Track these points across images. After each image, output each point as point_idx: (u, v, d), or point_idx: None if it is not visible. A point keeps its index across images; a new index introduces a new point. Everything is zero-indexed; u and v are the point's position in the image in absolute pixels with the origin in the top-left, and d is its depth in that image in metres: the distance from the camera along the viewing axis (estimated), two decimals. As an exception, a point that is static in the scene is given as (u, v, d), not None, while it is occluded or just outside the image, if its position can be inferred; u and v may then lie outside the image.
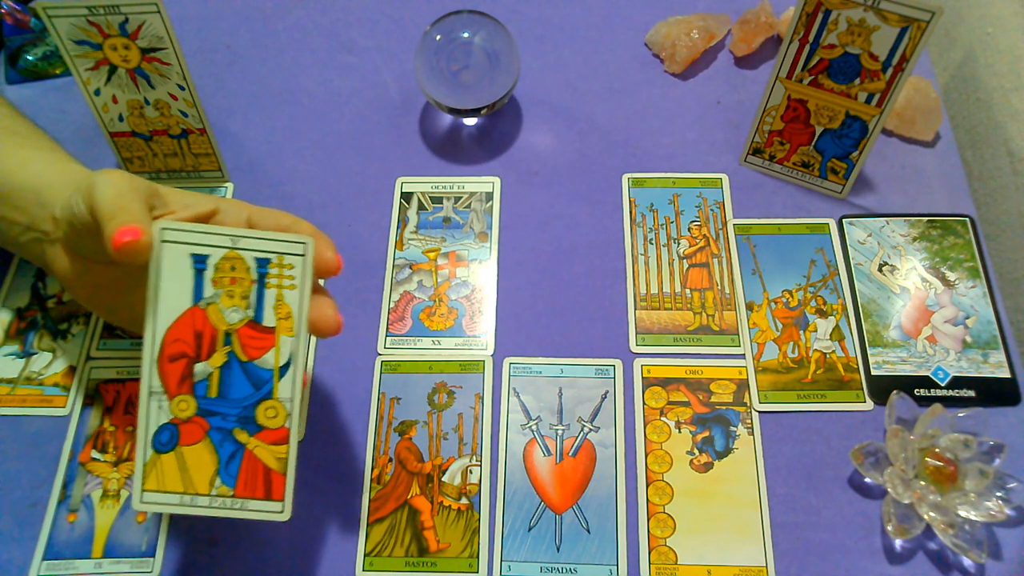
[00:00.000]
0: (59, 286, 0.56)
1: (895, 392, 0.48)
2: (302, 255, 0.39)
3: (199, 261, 0.38)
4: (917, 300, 0.54)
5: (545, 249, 0.57)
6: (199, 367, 0.39)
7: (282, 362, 0.40)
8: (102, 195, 0.37)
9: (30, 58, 0.65)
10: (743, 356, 0.52)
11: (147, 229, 0.37)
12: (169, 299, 0.38)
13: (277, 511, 0.39)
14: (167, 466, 0.38)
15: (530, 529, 0.47)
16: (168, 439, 0.38)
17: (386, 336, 0.54)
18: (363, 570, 0.47)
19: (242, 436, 0.39)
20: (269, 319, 0.39)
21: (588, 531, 0.47)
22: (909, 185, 0.59)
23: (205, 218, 0.42)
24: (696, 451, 0.49)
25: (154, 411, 0.38)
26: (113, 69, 0.53)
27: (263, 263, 0.39)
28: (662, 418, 0.50)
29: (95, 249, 0.41)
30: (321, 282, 0.44)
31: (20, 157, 0.47)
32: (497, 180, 0.60)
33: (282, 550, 0.47)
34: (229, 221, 0.42)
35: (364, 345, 0.54)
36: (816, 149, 0.57)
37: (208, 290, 0.39)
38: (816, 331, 0.53)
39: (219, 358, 0.39)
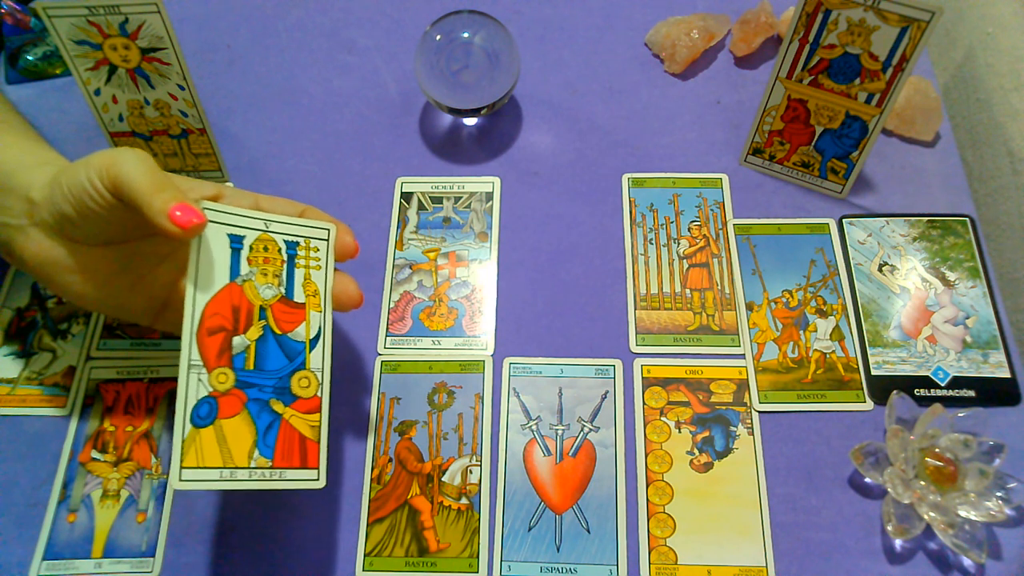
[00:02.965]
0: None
1: (895, 392, 0.48)
2: (326, 240, 0.44)
3: (236, 241, 0.41)
4: (917, 300, 0.54)
5: (545, 249, 0.57)
6: (237, 340, 0.40)
7: (312, 334, 0.42)
8: (134, 172, 0.37)
9: (30, 58, 0.65)
10: (743, 356, 0.52)
11: (203, 210, 0.38)
12: (208, 275, 0.39)
13: (313, 479, 0.40)
14: (206, 441, 0.38)
15: (530, 529, 0.47)
16: (207, 412, 0.38)
17: (386, 336, 0.54)
18: (363, 570, 0.47)
19: (278, 406, 0.40)
20: (299, 295, 0.42)
21: (588, 531, 0.47)
22: (909, 185, 0.59)
23: (210, 200, 0.42)
24: (696, 451, 0.49)
25: (193, 384, 0.38)
26: (113, 69, 0.53)
27: (292, 245, 0.43)
28: (662, 418, 0.50)
29: (98, 230, 0.41)
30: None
31: None
32: (497, 180, 0.60)
33: (282, 550, 0.47)
34: (236, 203, 0.43)
35: (364, 345, 0.54)
36: (816, 149, 0.57)
37: (244, 268, 0.41)
38: (816, 331, 0.53)
39: (255, 331, 0.40)
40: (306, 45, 0.68)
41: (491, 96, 0.58)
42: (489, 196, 0.59)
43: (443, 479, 0.49)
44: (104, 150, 0.39)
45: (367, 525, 0.48)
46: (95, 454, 0.50)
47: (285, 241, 0.42)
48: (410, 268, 0.56)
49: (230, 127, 0.63)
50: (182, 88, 0.54)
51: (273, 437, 0.40)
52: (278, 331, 0.41)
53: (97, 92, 0.54)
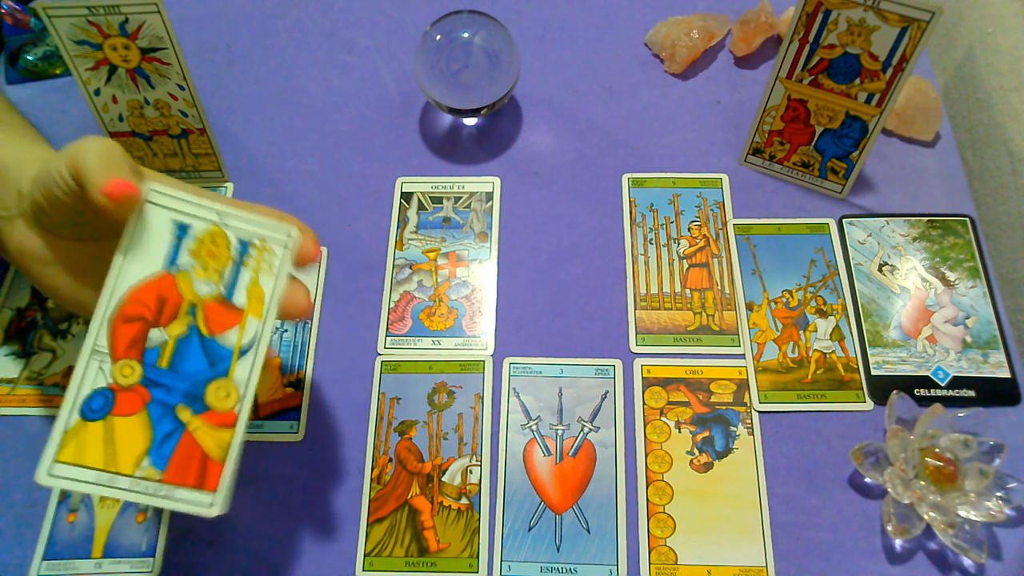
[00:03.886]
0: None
1: (895, 392, 0.48)
2: (284, 244, 0.39)
3: (181, 229, 0.38)
4: (917, 300, 0.54)
5: (545, 249, 0.57)
6: (155, 333, 0.36)
7: (245, 342, 0.38)
8: (89, 154, 0.36)
9: (30, 58, 0.65)
10: (743, 356, 0.52)
11: (140, 184, 0.36)
12: (139, 259, 0.36)
13: (206, 504, 0.35)
14: (90, 436, 0.34)
15: (530, 529, 0.47)
16: (101, 405, 0.35)
17: (386, 336, 0.54)
18: (363, 570, 0.47)
19: (185, 414, 0.36)
20: (240, 298, 0.38)
21: (588, 531, 0.47)
22: (909, 185, 0.59)
23: None
24: (696, 451, 0.49)
25: (92, 372, 0.35)
26: (113, 69, 0.53)
27: (245, 244, 0.39)
28: (662, 418, 0.50)
29: (68, 221, 0.40)
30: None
31: None
32: (497, 180, 0.60)
33: (282, 550, 0.47)
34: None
35: (364, 345, 0.54)
36: (816, 149, 0.57)
37: (183, 258, 0.37)
38: (816, 331, 0.53)
39: (178, 327, 0.37)
40: (306, 45, 0.68)
41: (491, 96, 0.58)
42: (489, 196, 0.59)
43: (443, 479, 0.49)
44: (79, 139, 0.38)
45: (367, 525, 0.48)
46: (95, 454, 0.50)
47: (239, 239, 0.39)
48: (410, 268, 0.56)
49: (230, 127, 0.63)
50: (182, 88, 0.54)
51: (170, 448, 0.35)
52: (205, 331, 0.37)
53: (97, 92, 0.54)
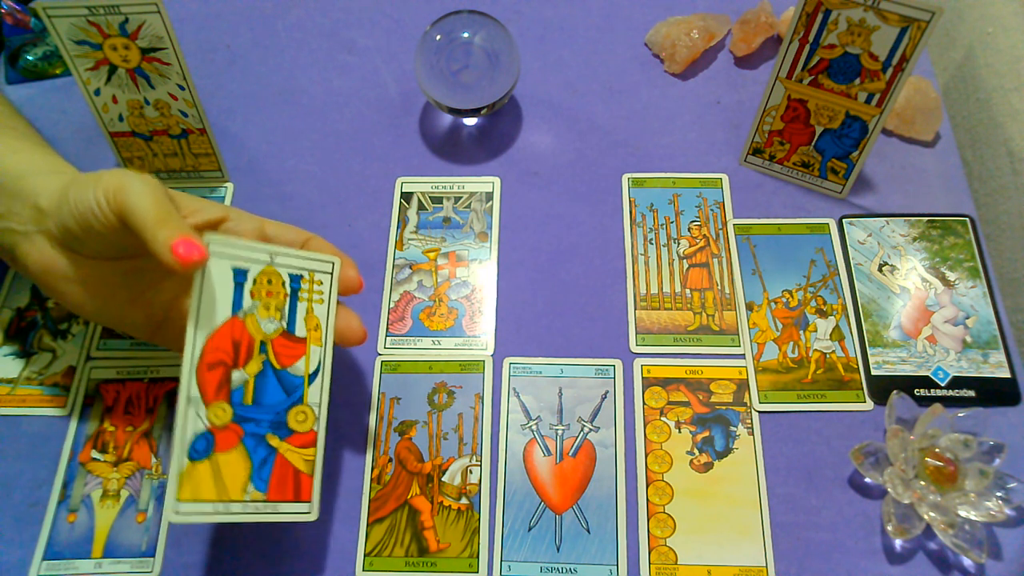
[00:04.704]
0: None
1: (895, 392, 0.48)
2: (330, 273, 0.44)
3: (239, 275, 0.40)
4: (917, 300, 0.54)
5: (545, 249, 0.57)
6: (236, 375, 0.40)
7: (311, 369, 0.42)
8: (141, 201, 0.37)
9: (30, 58, 0.66)
10: (743, 356, 0.52)
11: (203, 244, 0.38)
12: (211, 309, 0.39)
13: (305, 512, 0.41)
14: (201, 475, 0.38)
15: (530, 529, 0.47)
16: (204, 447, 0.38)
17: (386, 336, 0.54)
18: (363, 570, 0.47)
19: (274, 441, 0.40)
20: (300, 330, 0.42)
21: (588, 531, 0.47)
22: (909, 185, 0.59)
23: (215, 224, 0.42)
24: (696, 451, 0.49)
25: (192, 418, 0.38)
26: (113, 69, 0.53)
27: (296, 279, 0.42)
28: (662, 418, 0.50)
29: (101, 247, 0.41)
30: None
31: None
32: (497, 180, 0.60)
33: (282, 550, 0.47)
34: (241, 229, 0.43)
35: (364, 345, 0.53)
36: (816, 149, 0.57)
37: (247, 302, 0.41)
38: (816, 331, 0.53)
39: (255, 366, 0.40)
40: (306, 45, 0.68)
41: (491, 96, 0.58)
42: (489, 196, 0.59)
43: (443, 479, 0.49)
44: (114, 171, 0.40)
45: (367, 525, 0.48)
46: (95, 454, 0.50)
47: (289, 274, 0.42)
48: (410, 268, 0.56)
49: (230, 127, 0.63)
50: (182, 88, 0.54)
51: (268, 471, 0.40)
52: (277, 365, 0.41)
53: (97, 92, 0.54)
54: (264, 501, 0.39)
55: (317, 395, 0.42)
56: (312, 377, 0.42)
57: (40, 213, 0.41)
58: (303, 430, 0.41)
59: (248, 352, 0.40)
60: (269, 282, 0.41)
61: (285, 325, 0.42)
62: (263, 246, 0.41)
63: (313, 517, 0.41)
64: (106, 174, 0.39)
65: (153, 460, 0.50)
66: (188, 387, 0.38)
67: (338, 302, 0.44)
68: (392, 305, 0.55)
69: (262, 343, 0.41)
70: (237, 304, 0.40)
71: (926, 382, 0.51)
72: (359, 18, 0.70)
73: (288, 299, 0.42)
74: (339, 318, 0.44)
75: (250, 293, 0.41)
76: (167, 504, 0.37)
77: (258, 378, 0.40)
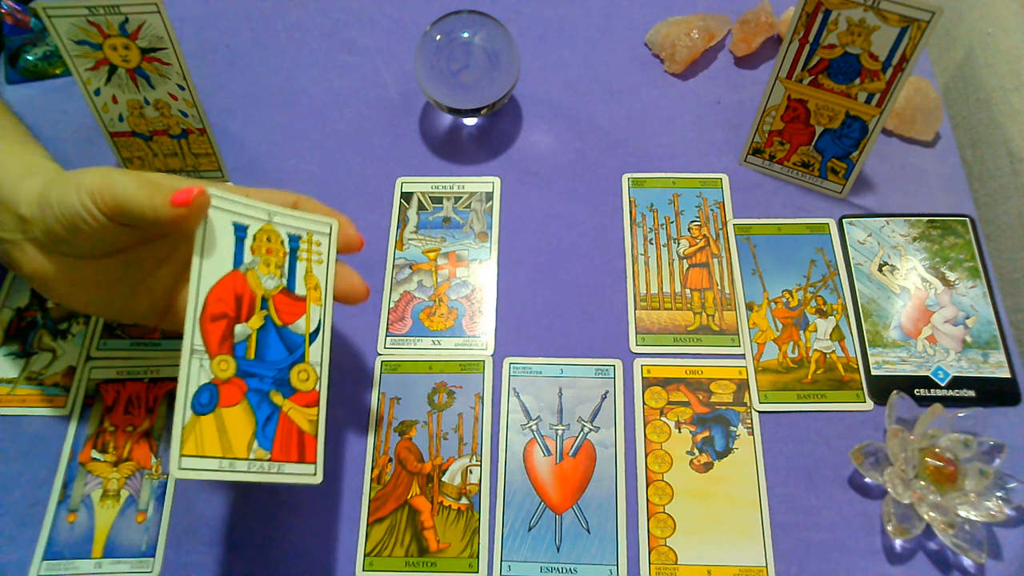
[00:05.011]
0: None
1: (895, 392, 0.48)
2: (327, 234, 0.44)
3: (240, 230, 0.40)
4: (917, 300, 0.54)
5: (545, 249, 0.57)
6: (239, 328, 0.39)
7: (312, 328, 0.42)
8: (128, 191, 0.37)
9: (30, 58, 0.66)
10: (743, 356, 0.52)
11: (203, 189, 0.38)
12: (212, 261, 0.39)
13: (310, 474, 0.40)
14: (206, 429, 0.37)
15: (530, 529, 0.47)
16: (208, 400, 0.37)
17: (386, 336, 0.54)
18: (363, 570, 0.47)
19: (278, 398, 0.40)
20: (300, 288, 0.42)
21: (588, 531, 0.47)
22: (909, 185, 0.59)
23: None
24: (696, 451, 0.49)
25: (195, 370, 0.37)
26: (113, 69, 0.53)
27: (295, 239, 0.42)
28: (662, 418, 0.50)
29: (90, 246, 0.41)
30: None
31: None
32: (497, 180, 0.60)
33: (282, 550, 0.47)
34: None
35: (364, 345, 0.54)
36: (816, 149, 0.57)
37: (248, 257, 0.40)
38: (816, 331, 0.53)
39: (257, 320, 0.40)
40: (306, 45, 0.68)
41: (491, 96, 0.58)
42: (489, 196, 0.59)
43: (443, 479, 0.49)
44: (91, 171, 0.39)
45: (367, 525, 0.48)
46: (95, 454, 0.50)
47: (288, 234, 0.42)
48: (410, 268, 0.56)
49: (230, 127, 0.63)
50: (182, 88, 0.54)
51: (272, 429, 0.39)
52: (279, 322, 0.41)
53: (97, 92, 0.54)
54: (269, 460, 0.38)
55: (318, 354, 0.42)
56: (313, 336, 0.42)
57: (23, 222, 0.41)
58: (305, 389, 0.41)
59: (251, 306, 0.40)
60: (268, 239, 0.41)
61: (285, 283, 0.42)
62: (262, 205, 0.41)
63: (318, 480, 0.40)
64: (85, 176, 0.38)
65: (153, 460, 0.50)
66: (192, 338, 0.37)
67: (338, 261, 0.44)
68: (392, 305, 0.55)
69: (263, 299, 0.40)
70: (238, 258, 0.40)
71: (926, 382, 0.51)
72: (359, 18, 0.70)
73: (287, 257, 0.42)
74: (341, 277, 0.44)
75: (250, 249, 0.40)
76: (171, 459, 0.36)
77: (260, 333, 0.40)
